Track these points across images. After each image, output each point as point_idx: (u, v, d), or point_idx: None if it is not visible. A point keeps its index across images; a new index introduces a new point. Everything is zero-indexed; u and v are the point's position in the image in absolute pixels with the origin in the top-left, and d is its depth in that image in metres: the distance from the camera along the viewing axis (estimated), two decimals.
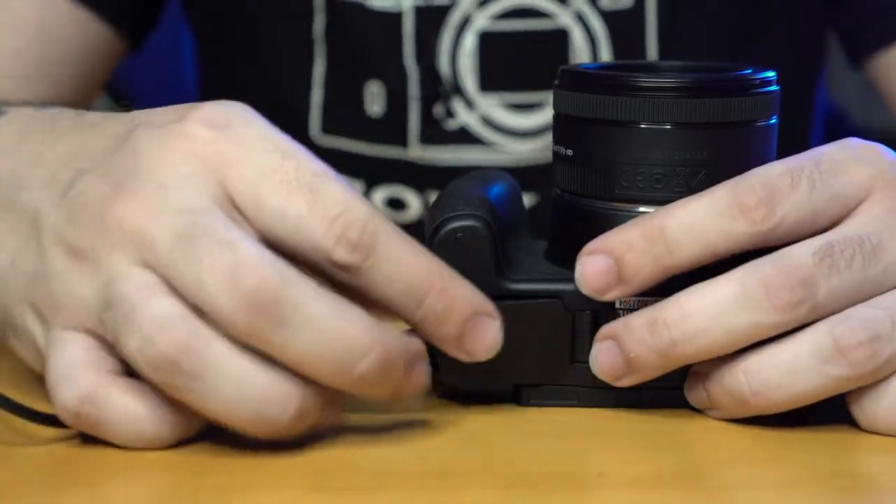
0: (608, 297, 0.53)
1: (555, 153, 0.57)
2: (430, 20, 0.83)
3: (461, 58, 0.83)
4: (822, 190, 0.53)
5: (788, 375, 0.51)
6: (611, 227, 0.54)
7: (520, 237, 0.59)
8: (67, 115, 0.58)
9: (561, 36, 0.82)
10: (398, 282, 0.50)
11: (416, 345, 0.51)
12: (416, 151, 0.85)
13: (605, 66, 0.59)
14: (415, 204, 0.87)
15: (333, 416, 0.51)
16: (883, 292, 0.52)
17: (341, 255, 0.49)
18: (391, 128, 0.85)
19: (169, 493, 0.48)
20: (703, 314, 0.52)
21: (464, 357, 0.52)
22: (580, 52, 0.83)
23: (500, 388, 0.56)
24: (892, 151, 0.55)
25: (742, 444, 0.52)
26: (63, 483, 0.49)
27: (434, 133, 0.84)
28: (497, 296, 0.54)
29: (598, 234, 0.54)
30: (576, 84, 0.56)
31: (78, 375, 0.50)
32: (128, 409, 0.50)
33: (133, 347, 0.48)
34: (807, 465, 0.51)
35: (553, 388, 0.56)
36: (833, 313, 0.52)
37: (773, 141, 0.57)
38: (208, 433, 0.52)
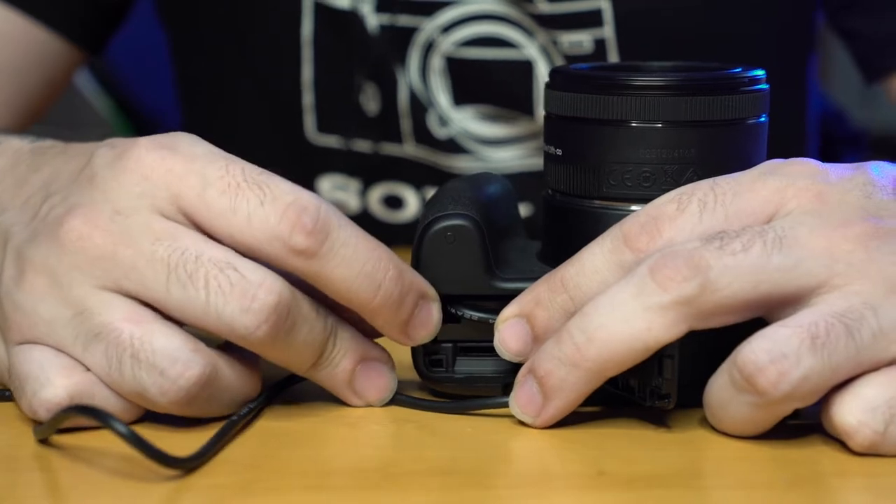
0: (532, 356, 0.53)
1: (545, 153, 0.58)
2: (397, 39, 0.83)
3: (431, 76, 0.83)
4: (717, 211, 0.52)
5: (719, 407, 0.51)
6: (600, 226, 0.54)
7: (514, 237, 0.60)
8: (52, 143, 0.60)
9: (526, 66, 0.83)
10: (356, 264, 0.52)
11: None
12: (412, 150, 0.85)
13: (595, 66, 0.59)
14: (413, 202, 0.87)
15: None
16: (800, 289, 0.50)
17: (298, 240, 0.51)
18: (387, 126, 0.85)
19: (169, 494, 0.48)
20: (598, 311, 0.51)
21: (406, 342, 0.55)
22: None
23: (491, 386, 0.56)
24: (818, 163, 0.53)
25: (739, 444, 0.52)
26: (63, 485, 0.49)
27: (427, 137, 0.85)
28: (487, 295, 0.54)
29: (588, 233, 0.54)
30: (565, 83, 0.56)
31: (52, 379, 0.51)
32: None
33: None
34: (806, 465, 0.51)
35: None
36: (738, 295, 0.50)
37: (762, 139, 0.57)
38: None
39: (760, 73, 0.56)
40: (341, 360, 0.54)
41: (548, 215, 0.58)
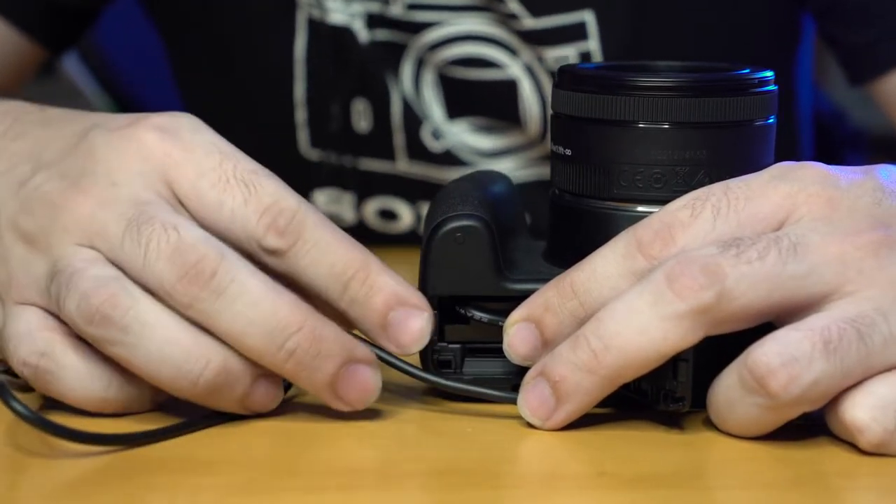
0: (542, 360, 0.53)
1: (553, 153, 0.57)
2: (389, 53, 0.83)
3: (425, 89, 0.83)
4: (730, 217, 0.51)
5: (726, 407, 0.51)
6: (610, 227, 0.54)
7: (519, 237, 0.59)
8: (30, 110, 0.62)
9: (511, 85, 0.83)
10: (322, 265, 0.53)
11: (361, 349, 0.53)
12: (404, 166, 0.85)
13: (604, 66, 0.59)
14: (407, 215, 0.87)
15: (269, 394, 0.53)
16: (812, 296, 0.50)
17: (271, 240, 0.53)
18: (379, 143, 0.85)
19: (168, 494, 0.48)
20: (614, 318, 0.51)
21: (393, 349, 0.53)
22: (529, 102, 0.83)
23: (500, 388, 0.56)
24: (827, 167, 0.53)
25: (742, 444, 0.52)
26: (61, 487, 0.49)
27: (421, 151, 0.85)
28: (495, 296, 0.54)
29: (598, 234, 0.54)
30: (574, 84, 0.56)
31: (35, 335, 0.53)
32: (77, 366, 0.53)
33: (71, 306, 0.52)
34: (810, 465, 0.51)
35: None
36: (754, 303, 0.50)
37: (771, 140, 0.57)
38: (209, 433, 0.52)
39: (769, 73, 0.56)
40: (322, 363, 0.52)
41: (555, 215, 0.58)
